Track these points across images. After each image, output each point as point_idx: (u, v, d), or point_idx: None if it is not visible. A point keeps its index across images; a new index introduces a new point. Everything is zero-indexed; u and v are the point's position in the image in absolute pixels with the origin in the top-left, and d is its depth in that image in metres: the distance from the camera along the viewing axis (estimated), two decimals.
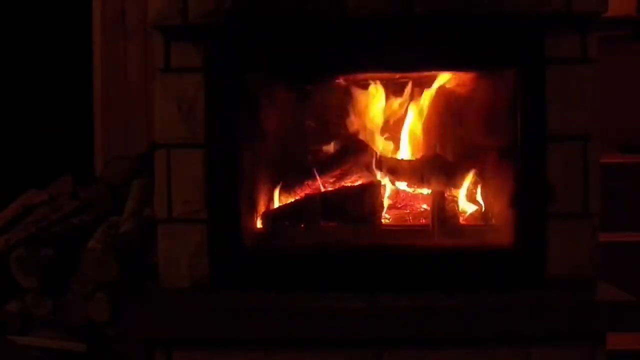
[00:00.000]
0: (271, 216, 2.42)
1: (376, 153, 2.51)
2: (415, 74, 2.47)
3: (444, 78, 2.46)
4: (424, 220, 2.44)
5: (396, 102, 2.54)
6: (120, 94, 3.59)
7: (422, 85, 2.51)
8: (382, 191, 2.44)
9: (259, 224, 2.39)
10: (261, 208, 2.41)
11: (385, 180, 2.48)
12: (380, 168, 2.49)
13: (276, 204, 2.48)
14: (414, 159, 2.53)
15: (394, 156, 2.54)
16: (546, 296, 2.12)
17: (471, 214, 2.43)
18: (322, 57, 2.26)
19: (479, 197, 2.44)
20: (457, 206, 2.42)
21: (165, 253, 2.26)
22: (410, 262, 2.24)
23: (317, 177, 2.50)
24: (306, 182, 2.51)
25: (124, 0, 3.58)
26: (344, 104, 2.56)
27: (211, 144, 2.24)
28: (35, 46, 3.72)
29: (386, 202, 2.46)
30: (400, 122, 2.56)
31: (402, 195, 2.51)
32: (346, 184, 2.50)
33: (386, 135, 2.57)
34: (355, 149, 2.51)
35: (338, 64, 2.29)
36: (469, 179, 2.43)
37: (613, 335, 2.14)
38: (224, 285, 2.24)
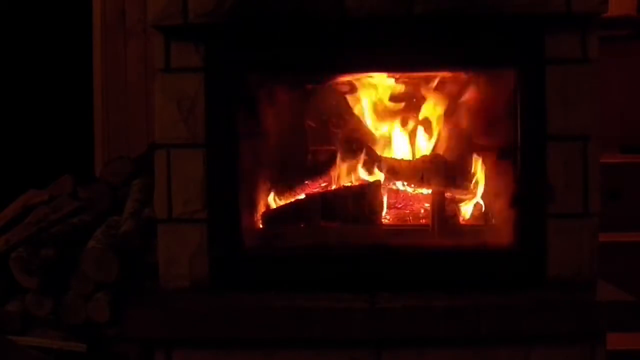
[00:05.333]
0: (271, 216, 2.42)
1: (376, 153, 2.51)
2: (415, 74, 2.47)
3: (444, 78, 2.46)
4: (424, 220, 2.44)
5: (396, 102, 2.54)
6: (120, 94, 3.59)
7: (422, 85, 2.51)
8: (382, 191, 2.44)
9: (259, 224, 2.39)
10: (261, 208, 2.41)
11: (385, 180, 2.48)
12: (380, 168, 2.49)
13: (276, 204, 2.48)
14: (414, 159, 2.52)
15: (394, 156, 2.54)
16: (546, 296, 2.12)
17: (471, 214, 2.43)
18: (322, 57, 2.26)
19: (479, 197, 2.44)
20: (457, 206, 2.42)
21: (165, 253, 2.26)
22: (410, 262, 2.24)
23: (317, 177, 2.50)
24: (306, 182, 2.52)
25: (124, 0, 3.58)
26: (344, 104, 2.56)
27: (211, 144, 2.24)
28: (35, 46, 3.72)
29: (386, 202, 2.46)
30: (400, 122, 2.56)
31: (402, 195, 2.51)
32: (346, 184, 2.50)
33: (386, 135, 2.57)
34: (355, 149, 2.51)
35: (338, 64, 2.29)
36: (471, 180, 2.43)
37: (613, 335, 2.14)
38: (224, 285, 2.24)
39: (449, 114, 2.50)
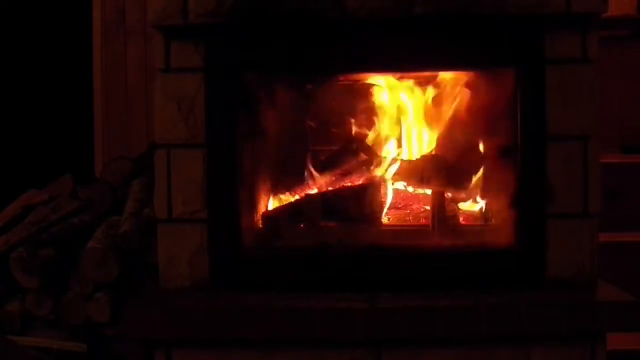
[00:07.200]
0: (271, 216, 2.42)
1: (376, 153, 2.51)
2: (415, 74, 2.47)
3: (444, 78, 2.46)
4: (424, 220, 2.44)
5: (396, 102, 2.54)
6: (120, 94, 3.60)
7: (422, 85, 2.51)
8: (382, 191, 2.43)
9: (259, 224, 2.39)
10: (261, 208, 2.41)
11: (385, 180, 2.48)
12: (380, 168, 2.49)
13: (276, 203, 2.48)
14: (414, 159, 2.52)
15: (394, 156, 2.54)
16: (546, 296, 2.12)
17: (471, 214, 2.43)
18: (322, 57, 2.26)
19: (479, 197, 2.44)
20: (457, 206, 2.42)
21: (165, 253, 2.26)
22: (410, 262, 2.24)
23: (317, 177, 2.50)
24: (306, 182, 2.52)
25: (124, 0, 3.58)
26: (344, 104, 2.56)
27: (211, 144, 2.24)
28: (35, 46, 3.72)
29: (386, 202, 2.46)
30: (400, 122, 2.56)
31: (402, 195, 2.51)
32: (346, 184, 2.50)
33: (386, 135, 2.57)
34: (355, 149, 2.51)
35: (338, 64, 2.29)
36: (471, 180, 2.43)
37: (613, 335, 2.14)
38: (224, 285, 2.24)
39: (449, 114, 2.50)
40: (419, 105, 2.53)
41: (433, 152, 2.51)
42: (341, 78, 2.50)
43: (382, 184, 2.45)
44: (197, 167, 2.24)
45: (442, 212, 2.35)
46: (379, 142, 2.56)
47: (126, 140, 3.57)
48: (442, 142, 2.52)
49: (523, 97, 2.21)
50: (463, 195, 2.45)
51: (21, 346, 2.35)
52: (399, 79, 2.50)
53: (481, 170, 2.41)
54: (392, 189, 2.49)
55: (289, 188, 2.50)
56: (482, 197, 2.43)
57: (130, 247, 2.51)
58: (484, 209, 2.43)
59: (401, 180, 2.49)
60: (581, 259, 2.21)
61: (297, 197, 2.49)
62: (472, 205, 2.44)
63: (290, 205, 2.46)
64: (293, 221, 2.41)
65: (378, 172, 2.49)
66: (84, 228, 2.67)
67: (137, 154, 3.19)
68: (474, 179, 2.43)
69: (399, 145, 2.56)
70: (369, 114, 2.56)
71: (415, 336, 2.07)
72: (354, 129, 2.57)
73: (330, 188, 2.49)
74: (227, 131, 2.24)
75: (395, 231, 2.39)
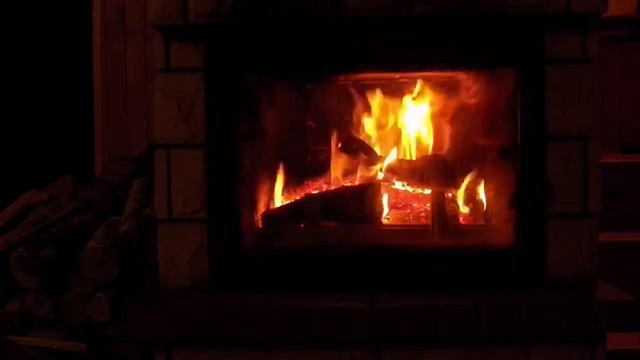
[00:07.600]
0: (271, 216, 2.42)
1: (376, 153, 2.51)
2: (415, 74, 2.47)
3: (444, 78, 2.46)
4: (424, 220, 2.44)
5: (396, 102, 2.54)
6: (120, 94, 3.60)
7: (422, 85, 2.51)
8: (382, 191, 2.44)
9: (259, 224, 2.39)
10: (261, 208, 2.42)
11: (385, 181, 2.48)
12: (380, 168, 2.49)
13: (276, 203, 2.48)
14: (414, 159, 2.52)
15: (394, 156, 2.54)
16: (546, 296, 2.12)
17: (471, 214, 2.43)
18: (322, 57, 2.26)
19: (479, 197, 2.44)
20: (457, 206, 2.42)
21: (165, 253, 2.26)
22: (410, 262, 2.23)
23: (317, 177, 2.50)
24: (306, 182, 2.52)
25: (124, 0, 3.58)
26: (344, 104, 2.56)
27: (211, 144, 2.24)
28: (35, 46, 3.73)
29: (386, 202, 2.46)
30: (400, 122, 2.56)
31: (402, 195, 2.51)
32: (346, 184, 2.50)
33: (386, 135, 2.57)
34: (355, 149, 2.51)
35: (338, 64, 2.29)
36: (469, 178, 2.43)
37: (613, 335, 2.14)
38: (224, 285, 2.24)
39: (449, 114, 2.50)
40: (418, 105, 2.53)
41: (433, 152, 2.51)
42: (341, 78, 2.50)
43: (382, 184, 2.46)
44: (197, 167, 2.24)
45: (442, 212, 2.35)
46: (379, 142, 2.56)
47: (126, 140, 3.57)
48: (442, 142, 2.52)
49: (523, 97, 2.21)
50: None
51: (21, 346, 2.35)
52: (399, 78, 2.50)
53: (476, 169, 2.42)
54: (392, 189, 2.49)
55: (289, 188, 2.50)
56: (483, 197, 2.43)
57: (130, 247, 2.51)
58: (484, 209, 2.43)
59: (401, 180, 2.49)
60: (581, 259, 2.21)
61: (297, 197, 2.49)
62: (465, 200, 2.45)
63: (290, 205, 2.46)
64: (293, 221, 2.41)
65: (378, 172, 2.49)
66: (84, 228, 2.67)
67: (137, 154, 3.19)
68: (472, 178, 2.43)
69: (399, 145, 2.56)
70: (369, 114, 2.56)
71: (415, 336, 2.07)
72: (354, 129, 2.57)
73: (330, 188, 2.50)
74: (227, 131, 2.24)
75: (395, 231, 2.40)
